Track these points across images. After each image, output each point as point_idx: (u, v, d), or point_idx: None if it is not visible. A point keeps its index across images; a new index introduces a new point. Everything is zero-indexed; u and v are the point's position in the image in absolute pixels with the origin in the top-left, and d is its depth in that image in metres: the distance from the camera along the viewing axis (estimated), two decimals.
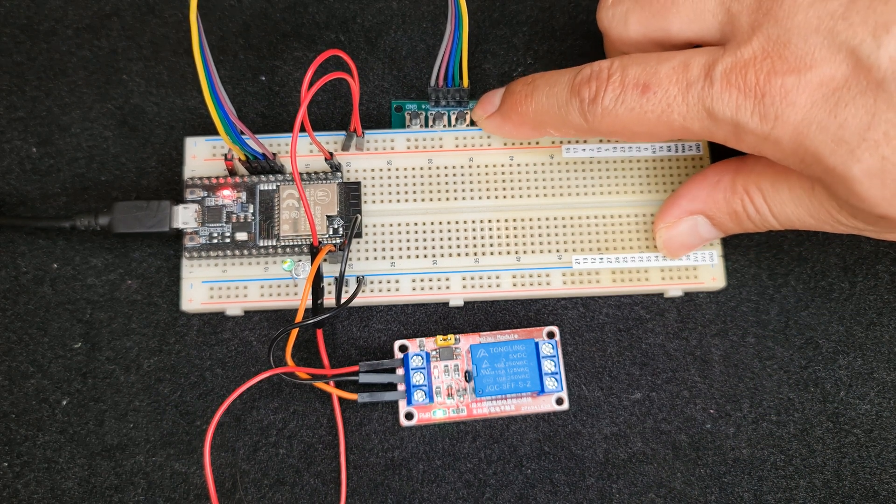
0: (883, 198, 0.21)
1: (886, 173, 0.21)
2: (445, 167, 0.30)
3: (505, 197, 0.30)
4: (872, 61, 0.20)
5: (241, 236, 0.28)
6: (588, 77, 0.25)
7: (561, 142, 0.30)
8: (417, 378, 0.27)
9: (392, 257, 0.29)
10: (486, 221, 0.30)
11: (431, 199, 0.30)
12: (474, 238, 0.30)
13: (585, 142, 0.30)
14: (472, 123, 0.31)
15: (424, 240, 0.29)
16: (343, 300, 0.27)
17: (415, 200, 0.30)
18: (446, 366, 0.28)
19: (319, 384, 0.27)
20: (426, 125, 0.31)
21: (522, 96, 0.27)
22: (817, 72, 0.21)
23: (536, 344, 0.28)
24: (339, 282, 0.27)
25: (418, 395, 0.27)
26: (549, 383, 0.27)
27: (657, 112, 0.24)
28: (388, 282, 0.29)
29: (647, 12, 0.26)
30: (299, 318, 0.27)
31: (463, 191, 0.30)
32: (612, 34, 0.27)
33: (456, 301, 0.29)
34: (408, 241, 0.29)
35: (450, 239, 0.30)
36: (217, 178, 0.29)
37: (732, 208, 0.26)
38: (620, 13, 0.26)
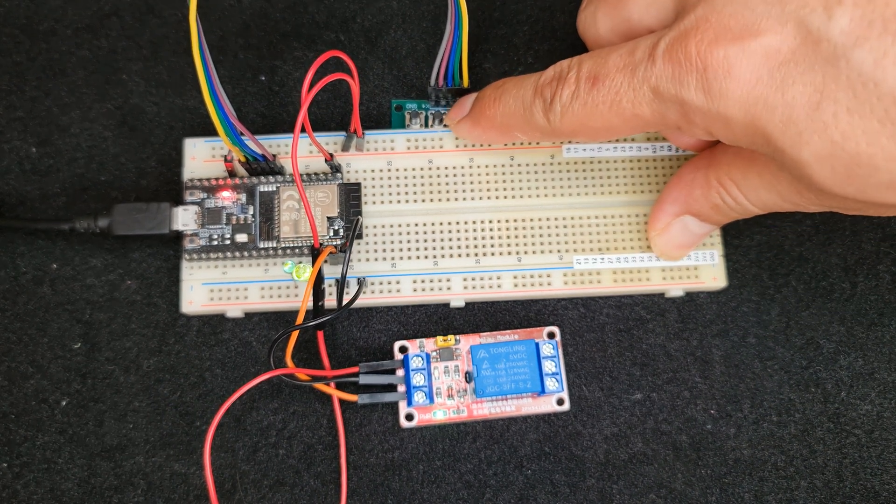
0: (835, 181, 0.20)
1: (836, 158, 0.20)
2: (446, 167, 0.30)
3: (505, 197, 0.30)
4: (822, 34, 0.19)
5: (242, 238, 0.28)
6: (551, 78, 0.24)
7: (562, 142, 0.30)
8: (417, 379, 0.27)
9: (393, 258, 0.29)
10: (486, 222, 0.30)
11: (432, 200, 0.30)
12: (475, 239, 0.30)
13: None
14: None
15: (425, 241, 0.29)
16: (344, 302, 0.27)
17: (415, 201, 0.30)
18: (446, 367, 0.28)
19: (319, 385, 0.27)
20: (426, 125, 0.31)
21: (491, 100, 0.27)
22: (762, 42, 0.20)
23: (537, 344, 0.28)
24: (341, 284, 0.27)
25: (418, 397, 0.27)
26: (550, 384, 0.27)
27: (608, 102, 0.23)
28: (389, 283, 0.29)
29: (609, 7, 0.26)
30: (300, 319, 0.27)
31: (463, 191, 0.30)
32: (588, 37, 0.28)
33: (457, 302, 0.29)
34: (408, 241, 0.29)
35: (450, 240, 0.29)
36: (217, 179, 0.29)
37: (712, 202, 0.26)
38: (590, 14, 0.27)
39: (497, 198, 0.30)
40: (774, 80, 0.20)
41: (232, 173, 0.29)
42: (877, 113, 0.19)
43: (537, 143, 0.30)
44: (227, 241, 0.28)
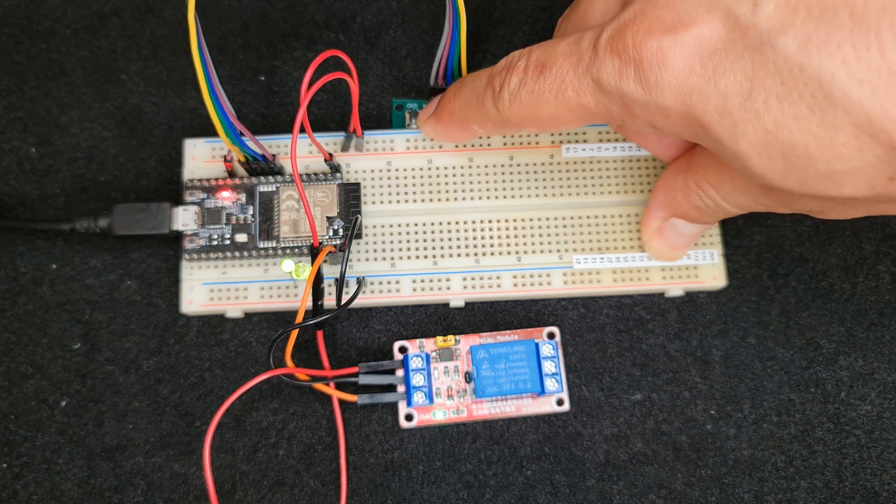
0: (774, 173, 0.20)
1: (772, 147, 0.20)
2: (445, 167, 0.30)
3: (505, 197, 0.30)
4: (749, 21, 0.19)
5: (241, 238, 0.28)
6: (501, 67, 0.25)
7: (561, 142, 0.30)
8: (417, 379, 0.27)
9: (392, 258, 0.29)
10: (486, 222, 0.30)
11: (431, 200, 0.30)
12: (475, 238, 0.30)
13: (585, 141, 0.30)
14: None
15: (425, 240, 0.29)
16: (343, 301, 0.27)
17: (415, 201, 0.30)
18: (446, 367, 0.28)
19: (319, 386, 0.27)
20: None
21: (451, 95, 0.27)
22: (694, 31, 0.20)
23: (537, 345, 0.28)
24: (340, 283, 0.27)
25: (418, 397, 0.27)
26: (550, 384, 0.27)
27: (553, 91, 0.23)
28: (389, 283, 0.29)
29: (571, 23, 0.26)
30: (299, 319, 0.27)
31: (463, 191, 0.30)
32: None
33: (457, 302, 0.29)
34: (408, 241, 0.29)
35: (450, 239, 0.29)
36: (216, 179, 0.29)
37: (694, 204, 0.26)
38: (560, 34, 0.27)
39: (497, 198, 0.30)
40: (707, 70, 0.20)
41: (232, 173, 0.29)
42: (805, 99, 0.18)
43: (537, 143, 0.30)
44: (227, 241, 0.28)
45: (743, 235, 0.31)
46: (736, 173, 0.24)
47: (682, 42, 0.20)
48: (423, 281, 0.29)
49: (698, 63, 0.20)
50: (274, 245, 0.28)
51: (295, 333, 0.27)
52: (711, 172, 0.25)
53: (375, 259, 0.29)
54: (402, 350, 0.28)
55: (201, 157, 0.30)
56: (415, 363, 0.27)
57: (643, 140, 0.28)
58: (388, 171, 0.30)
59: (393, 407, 0.29)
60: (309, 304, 0.27)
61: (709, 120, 0.20)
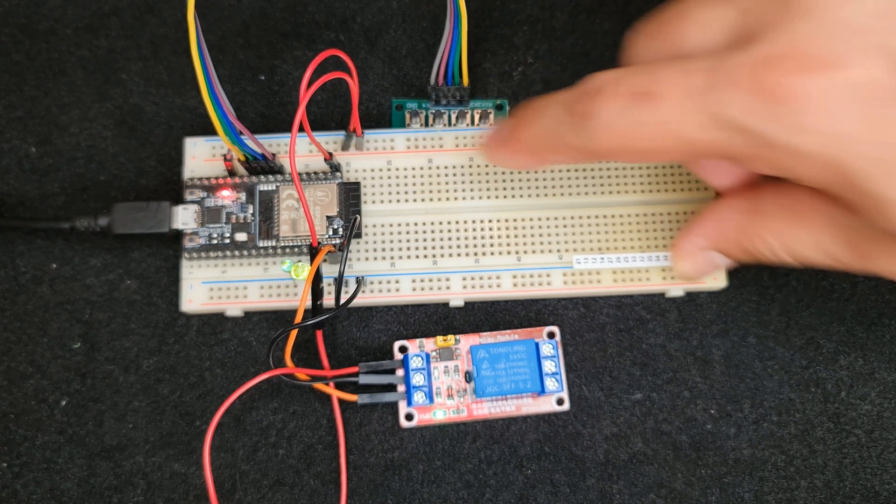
0: None
1: None
2: (445, 167, 0.30)
3: (505, 197, 0.30)
4: None
5: (241, 237, 0.28)
6: (586, 91, 0.22)
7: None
8: (417, 379, 0.27)
9: (392, 258, 0.29)
10: (486, 221, 0.30)
11: (431, 199, 0.30)
12: (474, 238, 0.29)
13: None
14: (473, 122, 0.31)
15: (424, 240, 0.29)
16: (343, 301, 0.27)
17: (415, 200, 0.30)
18: (446, 367, 0.28)
19: (319, 385, 0.27)
20: (426, 124, 0.31)
21: (521, 121, 0.25)
22: (850, 73, 0.18)
23: (537, 344, 0.28)
24: (339, 282, 0.27)
25: (418, 396, 0.27)
26: (550, 384, 0.27)
27: (654, 122, 0.21)
28: (388, 282, 0.29)
29: (662, 35, 0.23)
30: (299, 318, 0.26)
31: (463, 191, 0.30)
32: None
33: (456, 301, 0.29)
34: (408, 241, 0.29)
35: (450, 239, 0.29)
36: (216, 178, 0.29)
37: (745, 248, 0.25)
38: (643, 46, 0.24)
39: (497, 197, 0.30)
40: (862, 115, 0.18)
41: (232, 172, 0.29)
42: None
43: None
44: (227, 240, 0.28)
45: None
46: (815, 225, 0.22)
47: (836, 83, 0.18)
48: (422, 280, 0.29)
49: (852, 108, 0.18)
50: (274, 244, 0.28)
51: (294, 333, 0.27)
52: (779, 222, 0.23)
53: (375, 259, 0.29)
54: (402, 350, 0.28)
55: (201, 156, 0.30)
56: (415, 363, 0.27)
57: (696, 166, 0.26)
58: (388, 170, 0.30)
59: (393, 406, 0.29)
60: (308, 303, 0.27)
61: (857, 168, 0.19)
